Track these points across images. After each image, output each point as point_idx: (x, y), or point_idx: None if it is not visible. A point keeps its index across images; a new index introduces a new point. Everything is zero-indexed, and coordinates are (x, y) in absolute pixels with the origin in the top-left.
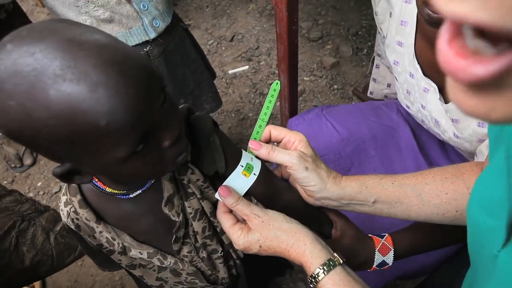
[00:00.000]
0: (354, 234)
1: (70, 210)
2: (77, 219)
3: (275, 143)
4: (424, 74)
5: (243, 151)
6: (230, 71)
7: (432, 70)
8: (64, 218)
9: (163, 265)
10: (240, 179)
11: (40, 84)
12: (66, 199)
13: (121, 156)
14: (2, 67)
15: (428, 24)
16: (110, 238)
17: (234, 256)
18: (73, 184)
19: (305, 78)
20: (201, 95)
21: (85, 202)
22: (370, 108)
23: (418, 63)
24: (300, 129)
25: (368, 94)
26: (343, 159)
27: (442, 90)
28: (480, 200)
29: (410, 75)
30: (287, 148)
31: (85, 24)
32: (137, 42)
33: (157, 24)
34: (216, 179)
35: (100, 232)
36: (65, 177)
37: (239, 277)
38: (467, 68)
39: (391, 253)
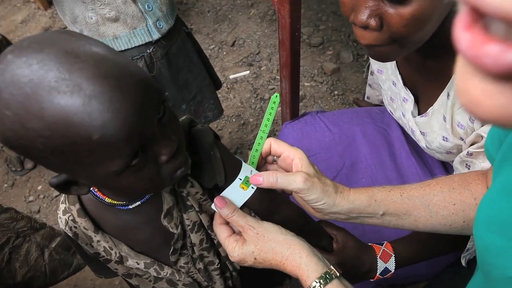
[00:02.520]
0: (355, 244)
1: (68, 218)
2: (75, 227)
3: (275, 157)
4: (404, 84)
5: (244, 163)
6: (231, 76)
7: (410, 82)
8: (62, 226)
9: (160, 276)
10: (238, 192)
11: (35, 96)
12: (65, 207)
13: (114, 169)
14: (1, 77)
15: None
16: (108, 248)
17: (231, 268)
18: None
19: (306, 84)
20: (203, 101)
21: (84, 211)
22: (364, 110)
23: (400, 73)
24: (295, 129)
25: (365, 99)
26: (334, 159)
27: (418, 102)
28: (488, 220)
29: (393, 83)
30: (286, 163)
31: (87, 36)
32: (141, 43)
33: (160, 25)
34: (215, 191)
35: (98, 241)
36: (61, 187)
37: None
38: (501, 54)
39: (392, 259)
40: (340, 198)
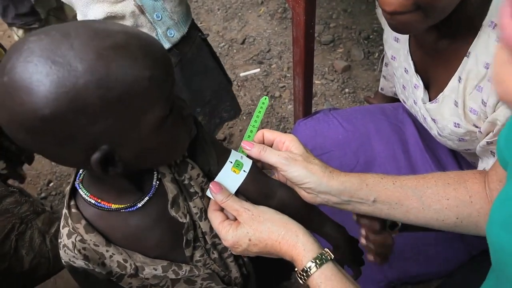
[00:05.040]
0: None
1: (76, 240)
2: (84, 248)
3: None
4: (416, 71)
5: (233, 150)
6: (242, 74)
7: (422, 69)
8: (66, 257)
9: (178, 276)
10: (230, 176)
11: (102, 62)
12: (69, 229)
13: (160, 114)
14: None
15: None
16: (122, 261)
17: (233, 252)
18: (73, 211)
19: (317, 82)
20: (218, 104)
21: (91, 226)
22: (377, 107)
23: (412, 60)
24: (308, 127)
25: (379, 90)
26: (348, 156)
27: (428, 88)
28: (503, 220)
29: (405, 71)
30: (278, 148)
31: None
32: None
33: (171, 34)
34: (208, 180)
35: (111, 256)
36: (103, 165)
37: (250, 277)
38: None
39: None
40: (328, 177)
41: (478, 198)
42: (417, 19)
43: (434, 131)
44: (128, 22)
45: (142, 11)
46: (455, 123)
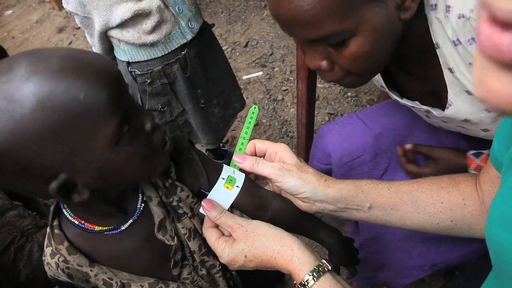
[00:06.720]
0: (450, 155)
1: (58, 260)
2: (68, 267)
3: (262, 158)
4: (422, 103)
5: (225, 165)
6: (244, 77)
7: (423, 99)
8: (51, 272)
9: None
10: (223, 192)
11: (34, 92)
12: (52, 250)
13: (109, 133)
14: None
15: None
16: (107, 279)
17: (231, 268)
18: (56, 232)
19: (319, 85)
20: (230, 93)
21: (74, 247)
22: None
23: (412, 99)
24: (333, 132)
25: (380, 87)
26: (380, 156)
27: (437, 104)
28: (502, 218)
29: (412, 108)
30: (271, 159)
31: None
32: (176, 46)
33: (192, 25)
34: (199, 199)
35: (95, 275)
36: (63, 194)
37: None
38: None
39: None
40: (324, 185)
41: (471, 200)
42: (356, 80)
43: (480, 134)
44: (154, 18)
45: (166, 5)
46: (482, 109)
